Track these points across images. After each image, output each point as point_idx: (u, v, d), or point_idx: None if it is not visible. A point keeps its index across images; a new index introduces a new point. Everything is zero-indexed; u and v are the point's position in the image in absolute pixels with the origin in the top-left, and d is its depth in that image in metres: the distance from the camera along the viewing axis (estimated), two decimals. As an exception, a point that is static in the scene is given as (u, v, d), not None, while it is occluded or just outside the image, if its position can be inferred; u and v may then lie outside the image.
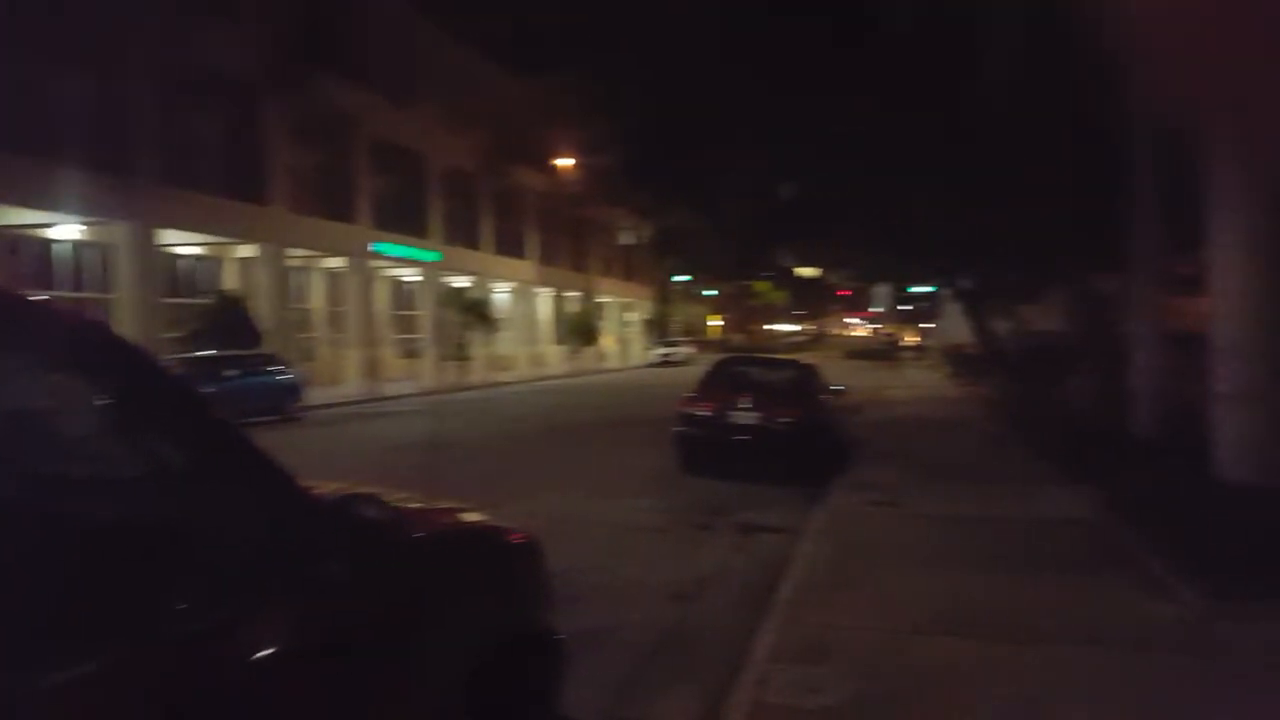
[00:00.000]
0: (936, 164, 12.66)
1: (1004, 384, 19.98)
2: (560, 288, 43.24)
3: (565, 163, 36.82)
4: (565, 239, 43.26)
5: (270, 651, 2.04)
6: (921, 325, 50.95)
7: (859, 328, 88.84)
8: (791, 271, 61.47)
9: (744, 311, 76.38)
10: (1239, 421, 6.14)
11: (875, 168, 13.58)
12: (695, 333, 63.11)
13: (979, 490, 9.45)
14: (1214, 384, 6.36)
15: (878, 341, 39.55)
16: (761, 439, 10.44)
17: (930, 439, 14.22)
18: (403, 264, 30.83)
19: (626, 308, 52.43)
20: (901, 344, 55.31)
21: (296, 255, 26.08)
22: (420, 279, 32.33)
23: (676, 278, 59.60)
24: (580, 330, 41.47)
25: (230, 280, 24.28)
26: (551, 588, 3.50)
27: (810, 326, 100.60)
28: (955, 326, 30.27)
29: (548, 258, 41.47)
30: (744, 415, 10.61)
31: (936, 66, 10.70)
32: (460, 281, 34.29)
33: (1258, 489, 5.79)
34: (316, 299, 28.70)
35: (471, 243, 34.63)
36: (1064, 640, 4.81)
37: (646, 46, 12.59)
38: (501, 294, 39.11)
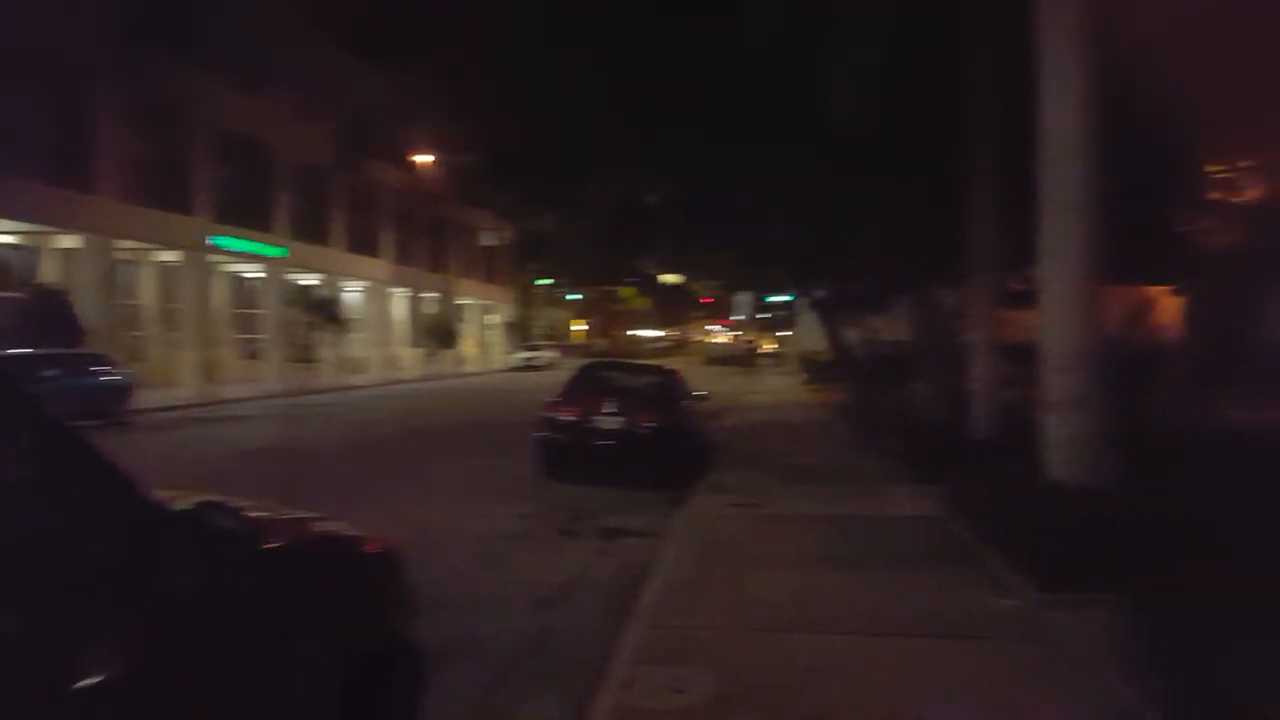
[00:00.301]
0: (791, 181, 13.10)
1: (855, 389, 20.94)
2: (417, 288, 42.01)
3: (424, 160, 35.84)
4: (423, 238, 42.07)
5: (112, 670, 1.86)
6: (779, 333, 52.86)
7: (720, 334, 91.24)
8: (655, 278, 62.34)
9: (608, 316, 76.90)
10: (1066, 426, 6.60)
11: (731, 180, 13.91)
12: (558, 337, 62.91)
13: (833, 491, 9.84)
14: (1043, 391, 6.85)
15: (738, 348, 40.81)
16: (625, 444, 10.45)
17: (787, 442, 14.70)
18: (245, 259, 29.10)
19: (487, 310, 51.61)
20: (760, 351, 57.22)
21: (125, 247, 24.32)
22: (264, 276, 30.60)
23: (539, 281, 59.30)
24: (438, 332, 40.42)
25: (50, 272, 22.19)
26: (411, 597, 3.37)
27: (673, 332, 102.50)
28: (810, 334, 31.54)
29: (404, 257, 40.20)
30: (608, 420, 10.60)
31: (792, 82, 11.06)
32: (308, 279, 32.74)
33: (1083, 489, 6.25)
34: (148, 295, 26.88)
35: (321, 239, 33.12)
36: (913, 633, 5.03)
37: (509, 46, 12.38)
38: (353, 293, 37.62)
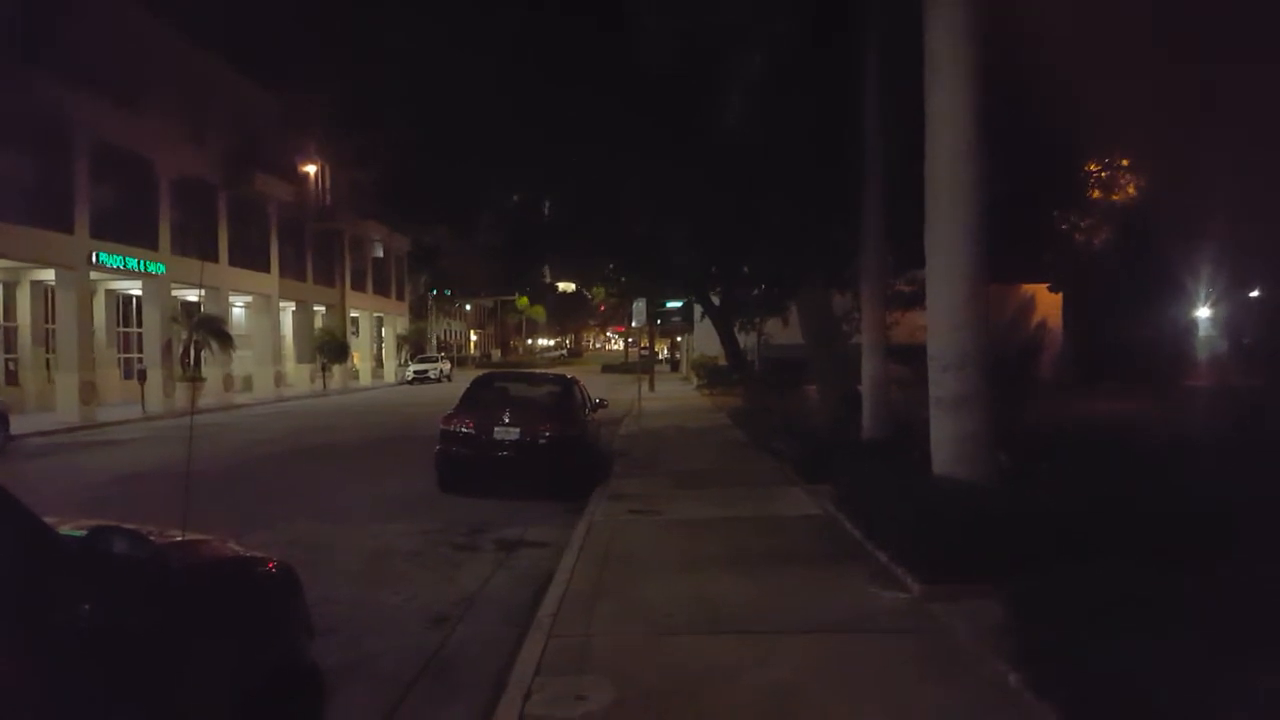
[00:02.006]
0: (684, 193, 13.29)
1: (751, 394, 21.37)
2: (306, 302, 40.58)
3: (312, 172, 34.68)
4: (312, 251, 40.66)
5: (15, 690, 1.84)
6: (677, 339, 53.45)
7: (618, 342, 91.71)
8: (551, 286, 62.22)
9: (503, 326, 76.20)
10: (952, 424, 6.85)
11: (625, 193, 14.03)
12: (453, 348, 61.89)
13: (729, 494, 10.00)
14: (931, 390, 7.12)
15: (635, 355, 41.06)
16: (523, 455, 10.35)
17: (684, 448, 14.87)
18: (127, 276, 27.52)
19: (379, 323, 50.27)
20: (658, 357, 57.68)
21: (1, 266, 22.96)
22: (147, 293, 29.02)
23: (433, 292, 58.25)
24: (329, 347, 39.13)
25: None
26: (310, 618, 3.29)
27: (570, 341, 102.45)
28: (707, 340, 31.99)
29: (293, 270, 38.74)
30: (506, 431, 10.48)
31: (683, 97, 11.23)
32: (193, 295, 31.23)
33: (968, 485, 6.51)
34: (24, 315, 25.72)
35: (207, 254, 31.57)
36: (805, 630, 5.16)
37: (403, 58, 12.17)
38: (240, 309, 36.08)
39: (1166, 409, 15.77)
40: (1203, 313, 28.42)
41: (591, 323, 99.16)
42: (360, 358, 45.98)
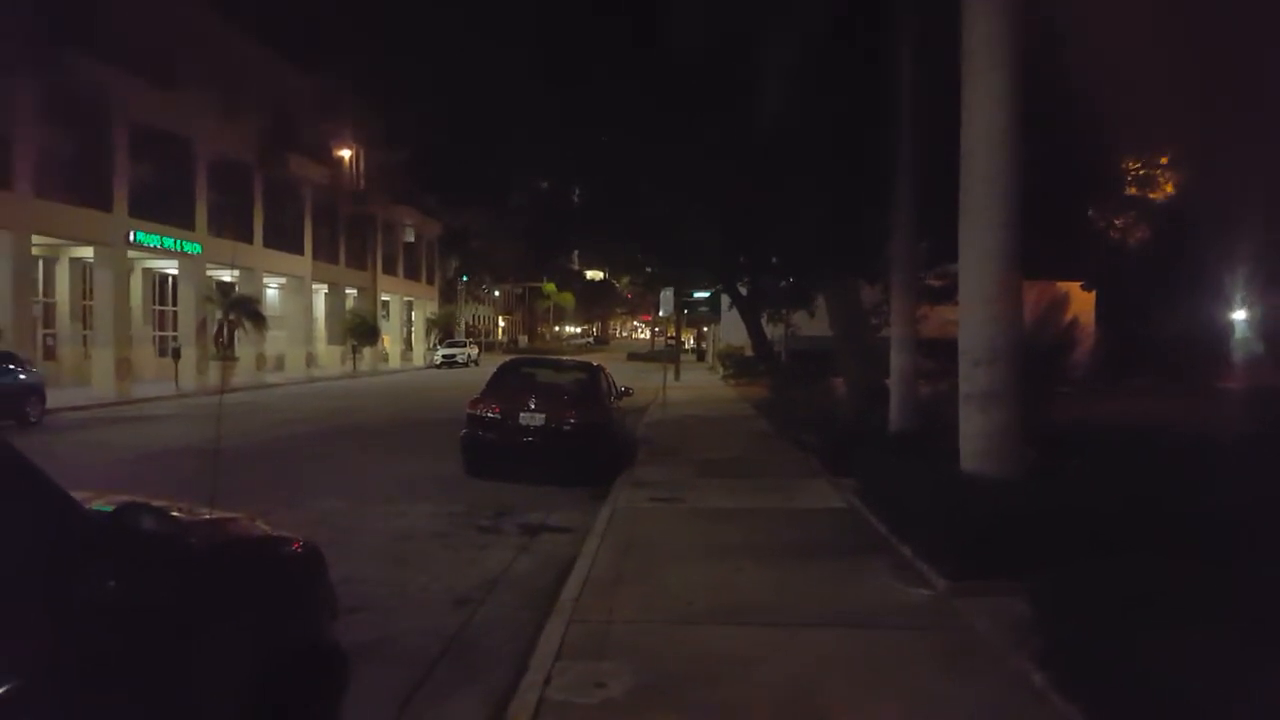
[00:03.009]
0: (713, 181, 13.23)
1: (776, 385, 21.29)
2: (338, 284, 40.99)
3: (346, 155, 34.92)
4: (345, 234, 41.03)
5: (37, 673, 1.86)
6: (704, 329, 53.34)
7: (644, 330, 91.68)
8: (579, 274, 62.26)
9: (531, 313, 76.43)
10: (981, 420, 6.79)
11: (654, 180, 13.99)
12: (481, 333, 62.21)
13: (752, 484, 9.99)
14: (961, 385, 7.05)
15: (661, 344, 41.16)
16: (548, 441, 10.40)
17: (708, 437, 14.86)
18: (163, 255, 28.00)
19: (409, 307, 50.66)
20: (684, 347, 57.65)
21: (41, 243, 23.57)
22: (182, 272, 29.50)
23: (463, 277, 58.53)
24: (359, 329, 39.50)
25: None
26: (335, 597, 3.33)
27: (597, 328, 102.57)
28: (734, 331, 31.91)
29: (325, 253, 39.14)
30: (531, 417, 10.53)
31: (716, 83, 11.17)
32: (228, 275, 31.68)
33: (996, 480, 6.45)
34: (62, 292, 26.11)
35: (242, 235, 32.01)
36: (827, 623, 5.14)
37: (434, 42, 12.20)
38: (274, 290, 36.52)
39: (1198, 408, 15.50)
40: (1238, 314, 27.89)
41: (619, 311, 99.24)
42: (390, 341, 46.38)
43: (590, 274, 67.53)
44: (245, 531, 3.09)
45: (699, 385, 30.10)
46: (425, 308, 52.07)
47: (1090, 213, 19.60)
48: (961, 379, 6.99)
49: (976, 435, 6.82)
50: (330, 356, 39.16)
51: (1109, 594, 4.15)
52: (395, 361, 45.63)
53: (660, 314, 27.39)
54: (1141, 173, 20.08)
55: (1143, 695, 3.44)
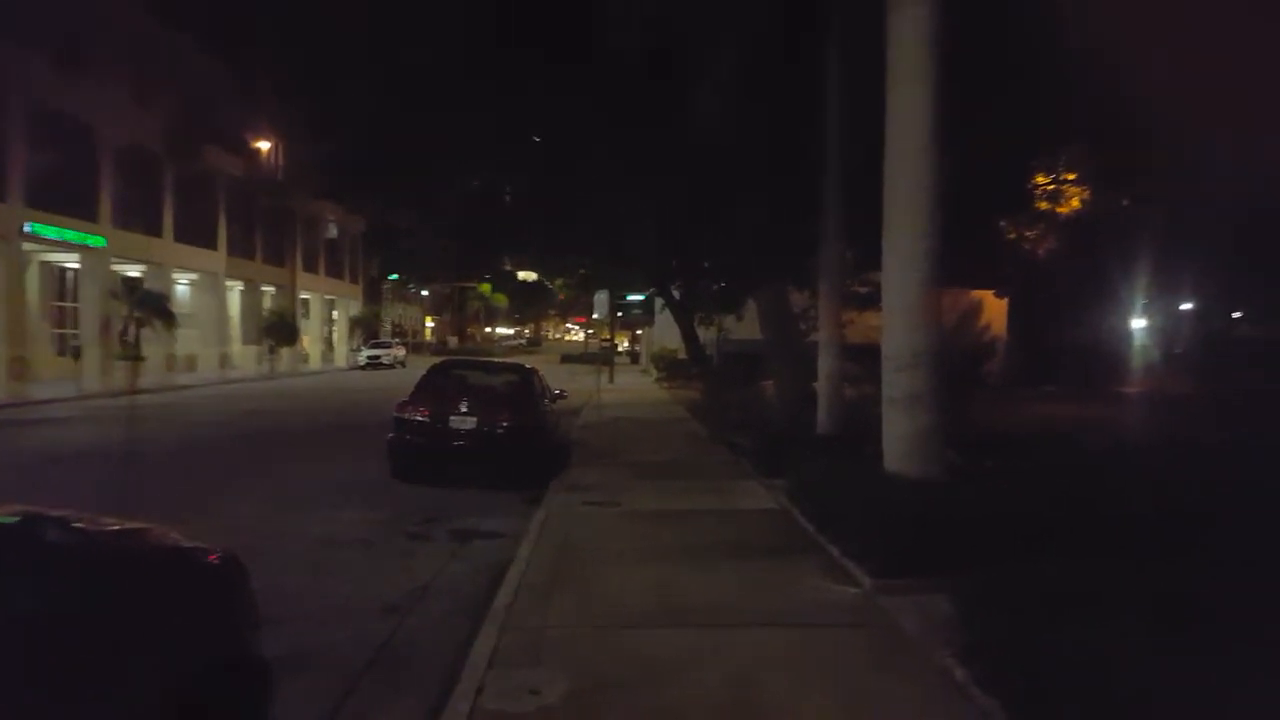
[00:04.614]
0: (647, 185, 13.29)
1: (709, 388, 21.49)
2: (255, 282, 39.66)
3: (265, 147, 33.85)
4: (263, 229, 39.72)
5: None
6: (638, 331, 53.50)
7: (578, 332, 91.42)
8: (512, 275, 61.59)
9: (461, 313, 75.39)
10: (904, 422, 7.00)
11: (588, 180, 13.98)
12: (408, 334, 61.07)
13: (685, 486, 10.06)
14: (885, 388, 7.24)
15: (595, 346, 41.02)
16: (480, 444, 10.25)
17: (643, 440, 14.90)
18: (63, 248, 26.59)
19: (332, 306, 49.37)
20: (619, 349, 57.66)
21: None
22: (85, 267, 28.06)
23: (392, 276, 57.40)
24: (277, 329, 38.29)
25: None
26: (255, 608, 3.23)
27: (529, 330, 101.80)
28: (667, 333, 32.06)
29: (241, 249, 37.79)
30: (463, 420, 10.37)
31: (650, 86, 11.23)
32: (135, 271, 30.33)
33: (919, 481, 6.67)
34: None
35: (150, 229, 30.67)
36: (759, 623, 5.22)
37: (365, 32, 11.94)
38: (185, 287, 35.12)
39: (1102, 413, 16.26)
40: (1139, 323, 29.32)
41: (552, 312, 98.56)
42: (310, 341, 45.12)
43: (523, 275, 66.83)
44: (157, 542, 2.97)
45: (633, 388, 30.16)
46: (348, 307, 50.85)
47: (1003, 223, 20.38)
48: (885, 383, 7.18)
49: (900, 437, 7.02)
50: (246, 357, 37.87)
51: (1027, 592, 4.32)
52: (316, 363, 44.42)
53: (594, 316, 27.31)
54: (1051, 187, 20.98)
55: (1056, 689, 3.59)
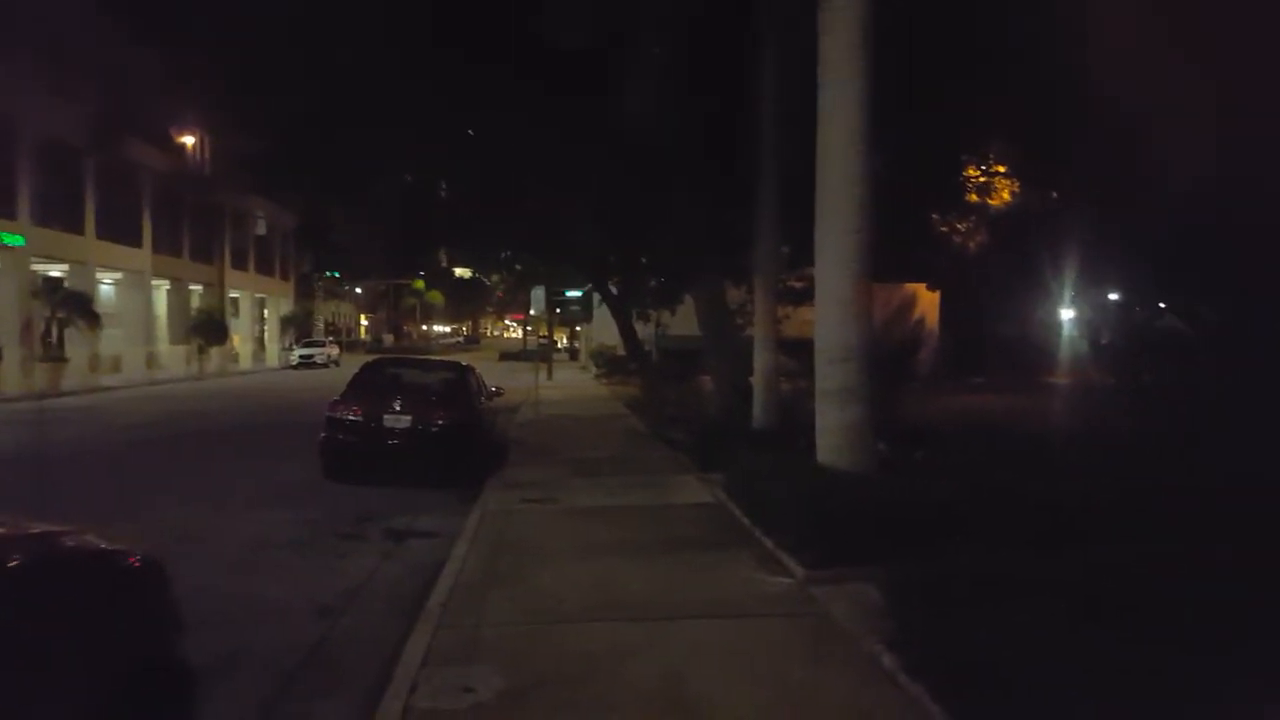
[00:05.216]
0: (583, 180, 13.27)
1: (647, 383, 21.57)
2: (182, 280, 38.40)
3: (191, 142, 32.80)
4: (190, 226, 38.44)
5: None
6: (577, 328, 53.37)
7: (517, 330, 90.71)
8: (449, 271, 60.85)
9: (398, 311, 74.21)
10: (836, 415, 7.13)
11: (524, 177, 13.91)
12: (343, 332, 59.87)
13: (622, 482, 10.10)
14: (818, 382, 7.36)
15: (533, 343, 40.83)
16: (415, 443, 10.12)
17: (581, 437, 14.89)
18: (-23, 247, 25.40)
19: (262, 304, 48.09)
20: (557, 346, 57.38)
21: None
22: (3, 266, 26.82)
23: (331, 274, 56.21)
24: (206, 328, 37.16)
25: None
26: (176, 611, 3.17)
27: (467, 327, 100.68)
28: (606, 330, 32.04)
29: (168, 246, 36.48)
30: (396, 419, 10.23)
31: (588, 83, 11.22)
32: (57, 270, 29.14)
33: (850, 473, 6.81)
34: None
35: (72, 226, 29.47)
36: (695, 615, 5.27)
37: (296, 23, 11.66)
38: (109, 286, 33.85)
39: (1031, 403, 16.79)
40: (1066, 314, 30.30)
41: (490, 309, 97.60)
42: (241, 340, 43.90)
43: (459, 271, 66.08)
44: (75, 545, 2.91)
45: (572, 385, 30.08)
46: (280, 305, 49.61)
47: (933, 217, 20.88)
48: (818, 376, 7.30)
49: (832, 430, 7.15)
50: (174, 357, 36.66)
51: (952, 579, 4.46)
52: (247, 362, 43.24)
53: (531, 313, 27.15)
54: (980, 180, 21.54)
55: (980, 675, 3.71)
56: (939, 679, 3.98)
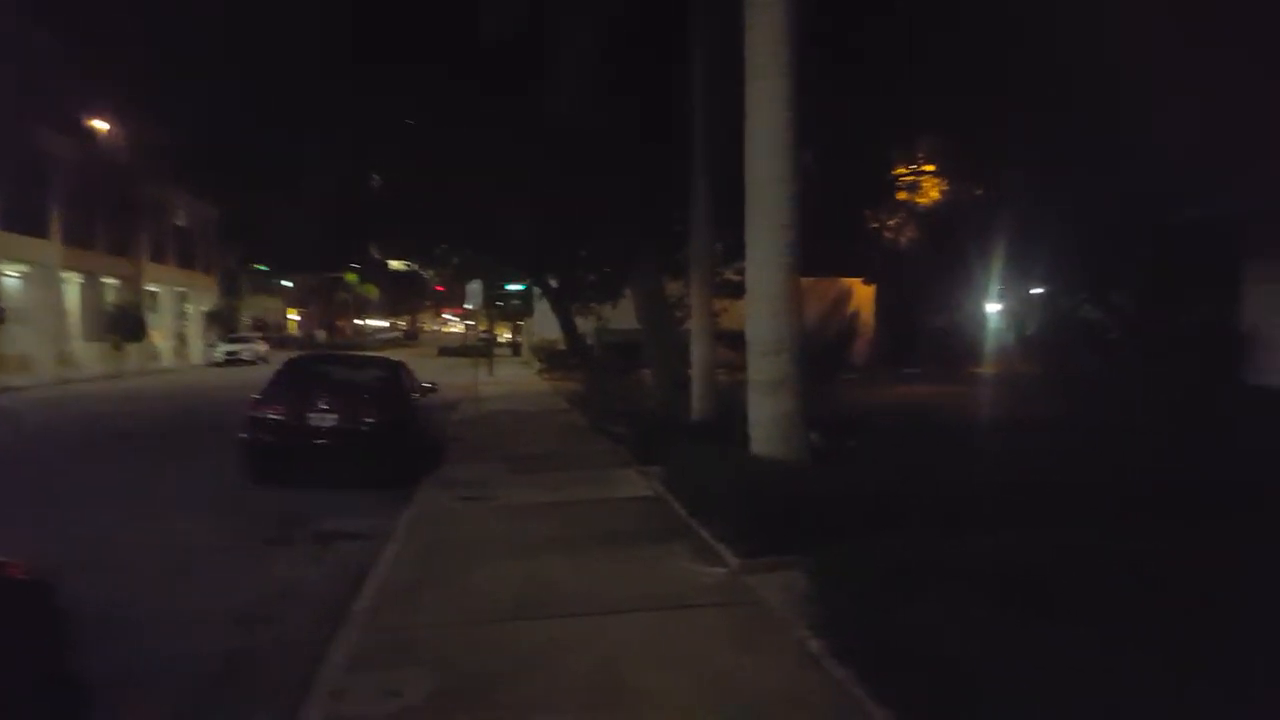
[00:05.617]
0: (519, 173, 13.10)
1: (588, 378, 21.45)
2: (96, 274, 36.70)
3: (106, 128, 31.39)
4: (104, 217, 36.76)
5: None
6: (518, 322, 52.88)
7: (455, 324, 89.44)
8: (385, 264, 59.50)
9: (330, 305, 72.48)
10: (768, 406, 7.19)
11: (459, 170, 13.67)
12: (271, 328, 58.18)
13: (563, 477, 9.99)
14: (750, 373, 7.39)
15: (473, 338, 40.28)
16: (342, 442, 9.81)
17: (520, 433, 14.71)
18: None
19: (184, 298, 46.38)
20: (499, 341, 56.73)
21: None
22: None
23: (262, 267, 54.51)
24: (122, 324, 35.61)
25: None
26: (68, 624, 2.98)
27: (404, 322, 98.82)
28: (547, 324, 31.76)
29: (79, 238, 34.79)
30: (323, 418, 9.90)
31: (520, 74, 11.05)
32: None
33: (783, 463, 6.87)
34: None
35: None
36: (630, 609, 5.23)
37: (214, 23, 11.26)
38: (14, 280, 32.20)
39: (960, 393, 17.20)
40: (994, 307, 31.18)
41: (429, 303, 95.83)
42: (161, 336, 42.29)
43: (395, 265, 64.67)
44: None
45: (513, 380, 29.76)
46: (203, 299, 47.94)
47: (866, 213, 21.24)
48: (750, 369, 7.34)
49: (764, 422, 7.19)
50: (90, 355, 35.07)
51: (879, 564, 4.49)
52: (169, 359, 41.69)
53: (468, 307, 26.76)
54: (910, 179, 21.96)
55: (905, 658, 3.74)
56: (864, 661, 4.02)
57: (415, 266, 46.88)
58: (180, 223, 44.30)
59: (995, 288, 27.32)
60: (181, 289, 45.54)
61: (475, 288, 22.19)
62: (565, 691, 4.05)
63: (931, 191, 22.40)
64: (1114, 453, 7.52)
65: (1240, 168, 10.64)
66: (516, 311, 40.84)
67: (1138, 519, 5.31)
